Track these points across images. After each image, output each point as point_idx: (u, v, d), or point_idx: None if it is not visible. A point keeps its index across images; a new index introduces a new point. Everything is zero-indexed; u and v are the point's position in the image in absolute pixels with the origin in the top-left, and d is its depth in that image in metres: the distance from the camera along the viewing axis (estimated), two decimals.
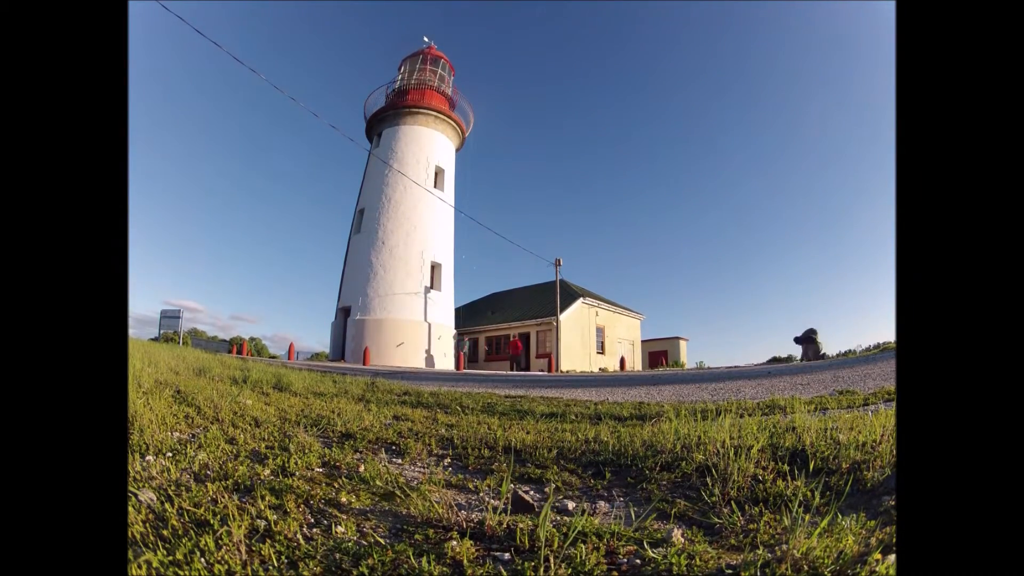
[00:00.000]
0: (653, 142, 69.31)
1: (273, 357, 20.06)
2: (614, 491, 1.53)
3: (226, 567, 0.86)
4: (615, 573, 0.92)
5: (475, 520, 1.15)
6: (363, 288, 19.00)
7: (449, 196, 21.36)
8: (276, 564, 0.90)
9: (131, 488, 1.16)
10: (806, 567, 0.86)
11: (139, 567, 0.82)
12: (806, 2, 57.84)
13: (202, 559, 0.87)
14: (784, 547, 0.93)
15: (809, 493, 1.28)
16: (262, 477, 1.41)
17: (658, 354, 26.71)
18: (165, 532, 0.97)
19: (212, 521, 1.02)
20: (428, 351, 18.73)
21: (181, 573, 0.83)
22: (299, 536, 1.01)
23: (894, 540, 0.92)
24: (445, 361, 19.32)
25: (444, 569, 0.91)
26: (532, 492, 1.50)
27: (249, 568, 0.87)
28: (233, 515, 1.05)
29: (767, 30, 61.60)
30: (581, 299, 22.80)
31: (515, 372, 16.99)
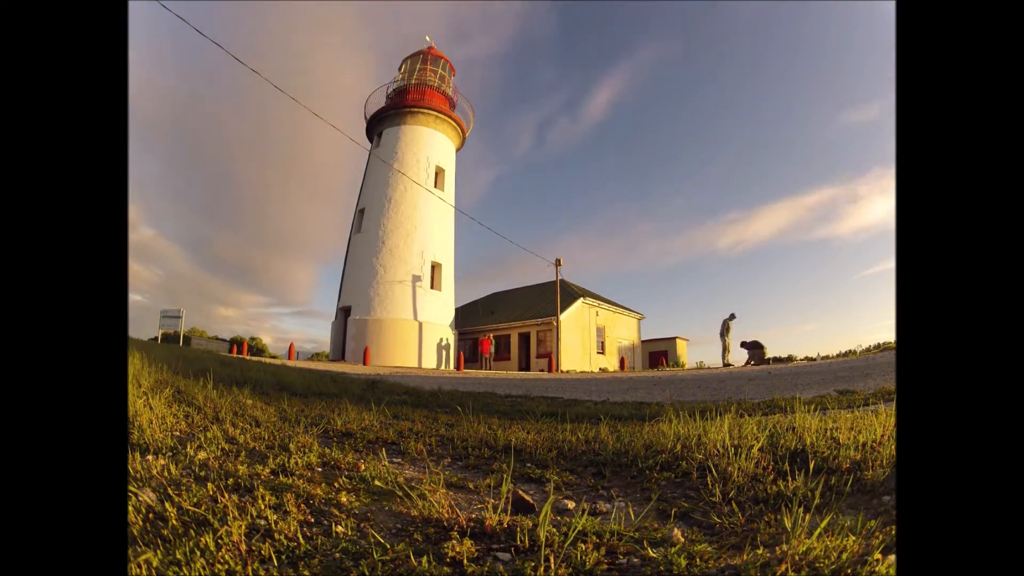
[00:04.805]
0: (654, 140, 69.26)
1: (273, 357, 20.06)
2: (614, 491, 1.53)
3: (226, 567, 0.86)
4: (615, 573, 0.92)
5: (475, 519, 1.15)
6: (363, 288, 19.00)
7: (449, 196, 21.36)
8: (276, 564, 0.90)
9: (131, 488, 1.16)
10: (806, 567, 0.86)
11: (139, 566, 0.82)
12: (804, 1, 57.75)
13: (202, 558, 0.87)
14: (784, 547, 0.93)
15: (809, 493, 1.28)
16: (262, 476, 1.41)
17: (658, 354, 26.68)
18: (165, 531, 0.97)
19: (212, 520, 1.02)
20: (425, 351, 18.72)
21: (181, 573, 0.83)
22: (299, 535, 1.01)
23: (894, 540, 0.91)
24: (445, 361, 19.32)
25: (444, 569, 0.91)
26: (532, 492, 1.50)
27: (249, 568, 0.87)
28: (233, 514, 1.05)
29: (763, 31, 61.53)
30: (581, 299, 22.78)
31: (514, 373, 16.96)
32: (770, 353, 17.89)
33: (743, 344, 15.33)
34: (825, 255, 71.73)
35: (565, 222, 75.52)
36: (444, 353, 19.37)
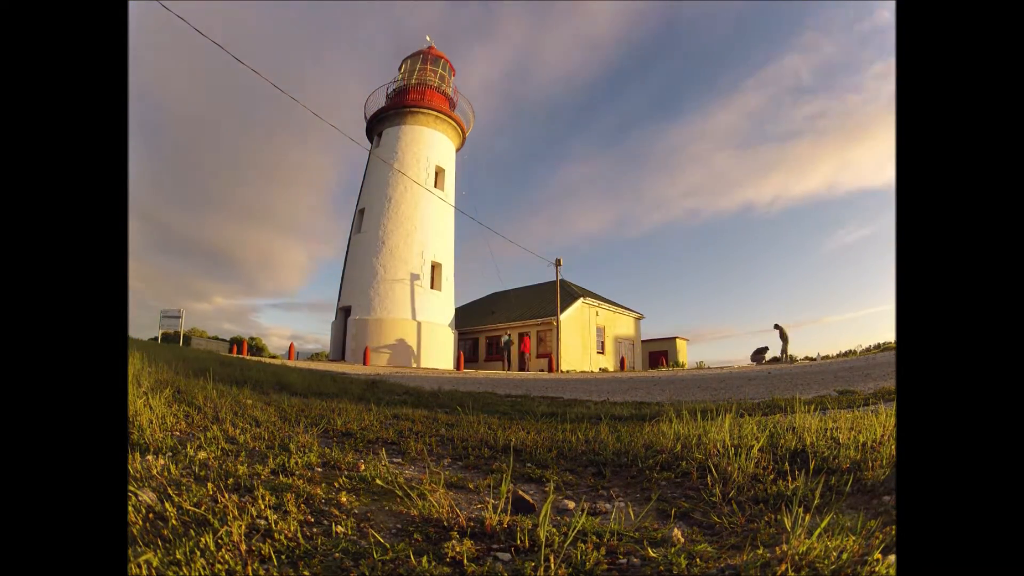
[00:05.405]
0: (654, 138, 68.98)
1: (273, 357, 20.05)
2: (614, 491, 1.53)
3: (226, 567, 0.86)
4: (615, 573, 0.92)
5: (475, 519, 1.15)
6: (363, 288, 19.00)
7: (449, 196, 21.36)
8: (276, 564, 0.90)
9: (131, 488, 1.16)
10: (806, 567, 0.86)
11: (139, 566, 0.82)
12: (804, 1, 57.58)
13: (202, 558, 0.87)
14: (784, 547, 0.93)
15: (809, 493, 1.28)
16: (262, 476, 1.41)
17: (658, 354, 26.66)
18: (165, 531, 0.97)
19: (212, 520, 1.02)
20: (424, 351, 18.72)
21: (181, 573, 0.83)
22: (299, 535, 1.01)
23: (894, 540, 0.91)
24: (445, 361, 19.32)
25: (444, 569, 0.91)
26: (532, 492, 1.50)
27: (249, 568, 0.87)
28: (233, 514, 1.05)
29: (764, 29, 61.20)
30: (581, 299, 22.77)
31: (514, 373, 16.97)
32: (770, 354, 17.86)
33: (755, 353, 15.51)
34: (882, 208, 60.44)
35: (567, 152, 67.23)
36: (444, 353, 19.37)
